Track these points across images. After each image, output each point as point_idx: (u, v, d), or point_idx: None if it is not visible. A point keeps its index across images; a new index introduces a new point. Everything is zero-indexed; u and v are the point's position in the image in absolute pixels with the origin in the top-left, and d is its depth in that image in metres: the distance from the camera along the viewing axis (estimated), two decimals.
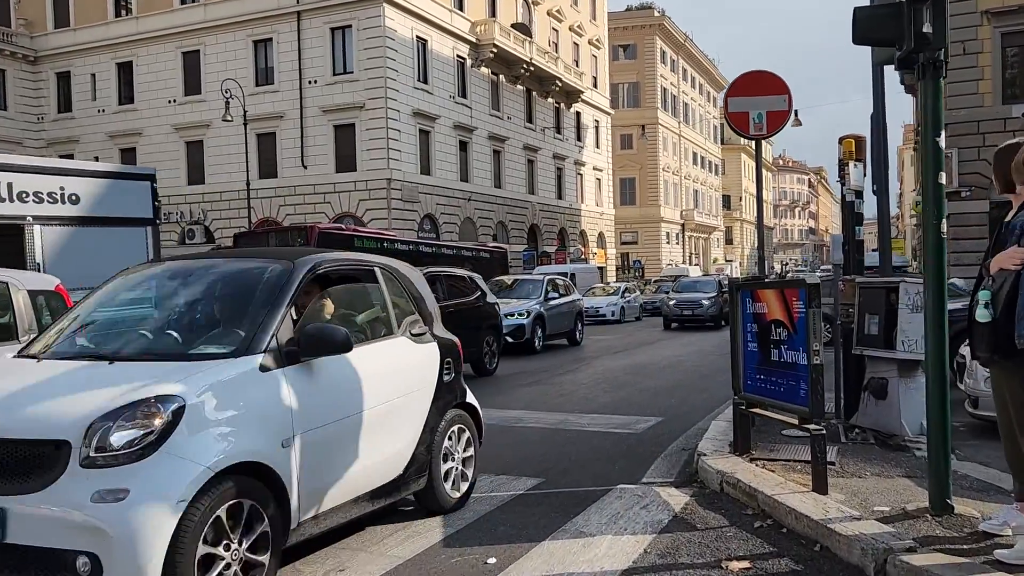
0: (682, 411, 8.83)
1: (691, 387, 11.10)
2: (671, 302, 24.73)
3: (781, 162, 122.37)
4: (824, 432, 4.50)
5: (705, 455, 5.53)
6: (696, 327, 23.52)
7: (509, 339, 15.37)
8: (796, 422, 4.81)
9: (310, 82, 32.73)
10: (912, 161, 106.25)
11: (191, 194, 34.88)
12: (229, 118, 28.15)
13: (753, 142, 7.43)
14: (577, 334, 19.04)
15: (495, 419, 8.24)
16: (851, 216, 6.46)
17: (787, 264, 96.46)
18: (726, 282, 32.89)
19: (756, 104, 6.82)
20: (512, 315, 15.91)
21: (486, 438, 5.50)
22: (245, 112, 29.51)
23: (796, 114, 38.41)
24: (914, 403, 5.81)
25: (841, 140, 6.44)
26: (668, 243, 65.16)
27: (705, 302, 24.02)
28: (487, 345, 12.54)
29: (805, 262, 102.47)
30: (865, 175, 6.55)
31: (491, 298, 13.26)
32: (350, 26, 32.06)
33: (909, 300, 5.73)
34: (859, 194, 6.45)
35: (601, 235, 52.49)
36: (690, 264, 63.78)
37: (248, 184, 30.17)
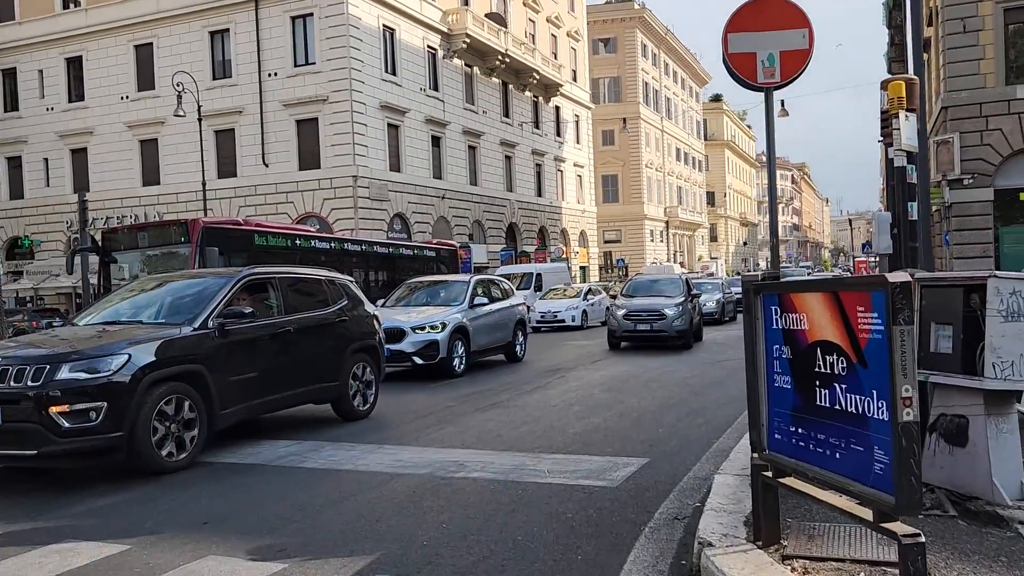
0: (672, 446, 7.02)
1: (681, 408, 9.29)
2: (619, 312, 17.72)
3: (764, 158, 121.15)
4: (923, 541, 2.68)
5: (711, 545, 3.70)
6: (657, 347, 17.14)
7: (418, 360, 12.63)
8: (868, 516, 2.96)
9: (270, 75, 30.73)
10: None
11: (146, 196, 32.77)
12: (181, 113, 26.18)
13: (760, 97, 5.63)
14: (517, 348, 15.62)
15: (429, 465, 6.39)
16: (902, 187, 4.66)
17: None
18: (721, 282, 30.07)
19: (766, 42, 5.04)
20: (421, 328, 12.78)
21: (404, 500, 5.15)
22: (200, 107, 27.50)
23: (783, 104, 36.83)
24: (1009, 453, 4.02)
25: (886, 84, 4.64)
26: (652, 241, 63.53)
27: (669, 311, 17.27)
28: (355, 377, 9.05)
29: (790, 258, 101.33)
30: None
31: (366, 309, 9.70)
32: (311, 14, 30.09)
33: (1003, 304, 3.94)
34: (911, 157, 4.66)
35: (583, 233, 50.73)
36: (675, 262, 62.19)
37: (204, 184, 28.13)
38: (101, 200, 32.16)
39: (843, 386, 3.15)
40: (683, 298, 17.99)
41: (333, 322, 8.87)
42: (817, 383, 3.36)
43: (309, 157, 30.44)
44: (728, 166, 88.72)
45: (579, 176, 50.36)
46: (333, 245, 19.31)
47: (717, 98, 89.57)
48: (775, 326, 3.77)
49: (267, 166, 31.01)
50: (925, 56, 28.48)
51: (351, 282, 9.84)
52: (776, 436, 3.75)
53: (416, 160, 33.33)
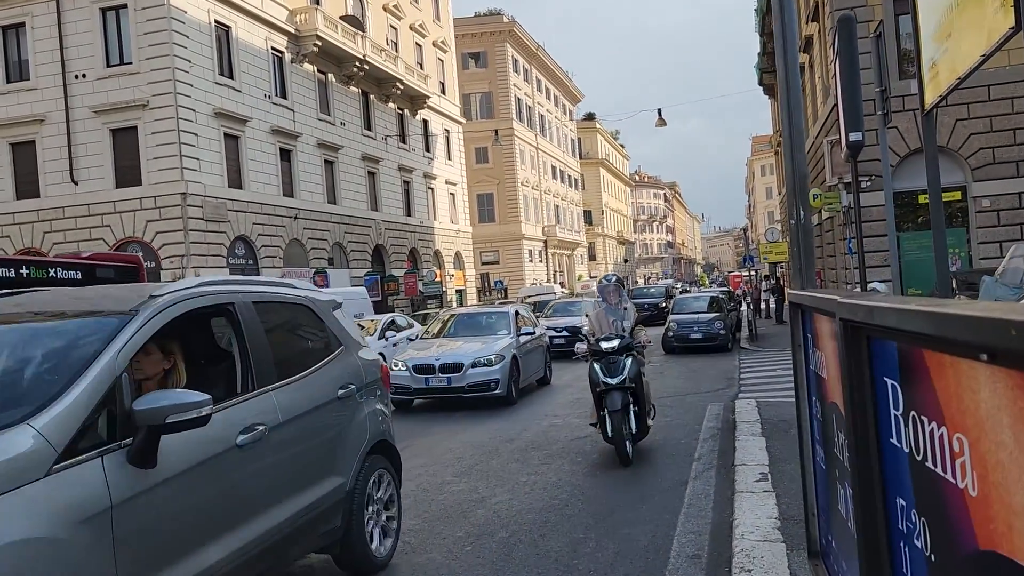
0: None
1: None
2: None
3: (638, 177, 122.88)
4: None
5: None
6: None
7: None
8: None
9: (77, 76, 26.01)
10: (763, 171, 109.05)
11: None
12: None
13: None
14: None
15: None
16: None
17: (649, 278, 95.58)
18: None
19: None
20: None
21: None
22: None
23: (660, 112, 35.30)
24: None
25: None
26: (531, 261, 61.39)
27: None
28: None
29: (666, 275, 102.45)
30: None
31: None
32: (125, 5, 25.69)
33: None
34: None
35: (458, 255, 47.71)
36: (555, 282, 60.25)
37: None
38: None
39: None
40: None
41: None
42: None
43: (128, 172, 25.88)
44: (604, 185, 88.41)
45: (452, 194, 47.41)
46: None
47: (591, 116, 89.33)
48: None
49: (76, 184, 26.17)
50: (806, 57, 27.36)
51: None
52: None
53: (262, 176, 29.30)
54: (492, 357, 12.75)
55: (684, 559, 4.88)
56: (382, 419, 5.39)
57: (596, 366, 7.90)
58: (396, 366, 12.91)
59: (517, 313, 15.37)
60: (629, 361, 7.88)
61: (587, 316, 9.02)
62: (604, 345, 7.90)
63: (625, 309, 8.49)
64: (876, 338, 1.20)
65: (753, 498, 5.59)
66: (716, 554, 4.87)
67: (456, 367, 12.57)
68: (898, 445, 1.14)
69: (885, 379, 1.16)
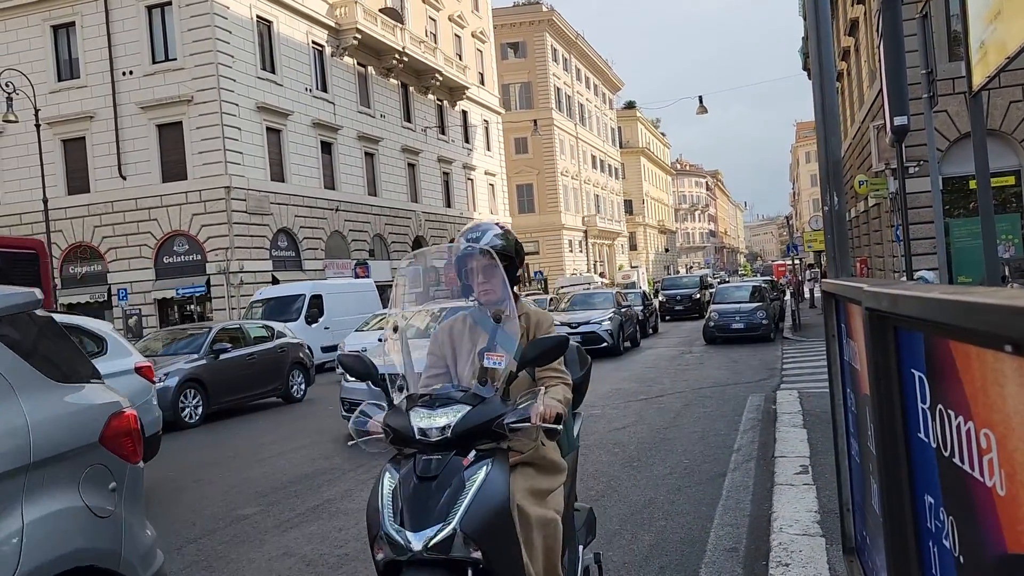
0: None
1: None
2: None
3: (679, 166, 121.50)
4: None
5: None
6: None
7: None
8: None
9: (124, 73, 26.62)
10: (808, 158, 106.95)
11: None
12: (13, 118, 21.83)
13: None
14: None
15: None
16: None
17: (691, 268, 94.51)
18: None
19: None
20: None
21: None
22: (37, 111, 23.16)
23: (701, 100, 34.82)
24: None
25: None
26: (571, 251, 61.15)
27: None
28: None
29: (707, 264, 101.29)
30: None
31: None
32: (170, 3, 26.19)
33: None
34: None
35: None
36: (595, 272, 59.96)
37: (46, 202, 23.70)
38: None
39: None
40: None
41: None
42: None
43: (174, 167, 26.43)
44: (644, 173, 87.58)
45: (491, 185, 47.44)
46: None
47: (631, 105, 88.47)
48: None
49: (125, 179, 26.81)
50: (851, 40, 26.69)
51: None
52: None
53: (303, 169, 29.66)
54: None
55: (721, 552, 4.82)
56: (91, 526, 2.93)
57: (386, 481, 2.53)
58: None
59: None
60: (481, 476, 2.47)
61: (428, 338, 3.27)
62: (419, 422, 2.56)
63: (520, 318, 2.88)
64: (902, 328, 1.14)
65: (793, 491, 5.49)
66: (754, 547, 4.80)
67: None
68: (926, 440, 1.09)
69: (912, 371, 1.11)
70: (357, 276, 29.43)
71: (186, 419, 12.20)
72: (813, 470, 6.12)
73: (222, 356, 13.10)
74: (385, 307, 20.83)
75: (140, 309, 26.11)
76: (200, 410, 12.53)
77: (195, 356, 12.83)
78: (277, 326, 15.71)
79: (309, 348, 17.55)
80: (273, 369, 14.28)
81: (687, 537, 5.20)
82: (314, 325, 20.61)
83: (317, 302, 21.19)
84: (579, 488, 6.67)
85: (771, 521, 4.89)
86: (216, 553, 5.64)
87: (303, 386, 15.13)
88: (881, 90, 18.12)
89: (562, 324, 18.24)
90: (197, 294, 26.12)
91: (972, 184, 19.16)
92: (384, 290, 33.33)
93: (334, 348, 17.93)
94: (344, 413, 9.97)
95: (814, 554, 4.08)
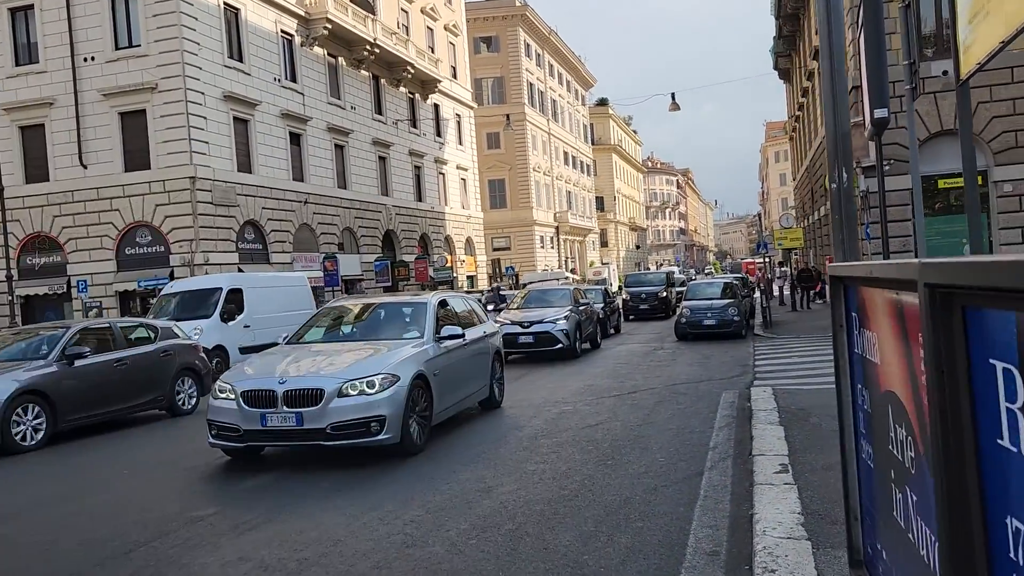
0: None
1: None
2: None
3: (651, 164, 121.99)
4: None
5: None
6: None
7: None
8: None
9: (86, 59, 25.83)
10: (777, 158, 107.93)
11: None
12: None
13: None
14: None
15: None
16: None
17: (661, 265, 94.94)
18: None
19: None
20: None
21: None
22: None
23: (673, 97, 34.77)
24: None
25: None
26: (543, 247, 61.04)
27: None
28: None
29: (677, 261, 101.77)
30: None
31: None
32: None
33: None
34: None
35: (469, 240, 47.44)
36: (567, 268, 59.91)
37: (2, 191, 22.91)
38: None
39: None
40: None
41: None
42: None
43: (137, 156, 25.71)
44: (616, 171, 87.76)
45: (463, 180, 47.08)
46: None
47: (603, 102, 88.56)
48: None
49: (86, 167, 26.04)
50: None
51: None
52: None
53: (271, 160, 29.08)
54: (376, 379, 7.78)
55: (701, 556, 4.62)
56: None
57: None
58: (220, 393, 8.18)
59: (443, 304, 10.02)
60: None
61: None
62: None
63: None
64: (973, 307, 0.92)
65: (773, 491, 5.32)
66: (735, 551, 4.61)
67: (311, 397, 7.66)
68: (1013, 449, 0.87)
69: (991, 361, 0.89)
70: (326, 270, 28.94)
71: (20, 441, 9.86)
72: (793, 469, 5.96)
73: (77, 363, 10.81)
74: (318, 305, 18.37)
75: (101, 302, 25.40)
76: (43, 430, 10.14)
77: (40, 363, 10.54)
78: (169, 324, 13.48)
79: (224, 349, 16.45)
80: (152, 377, 12.01)
81: (665, 540, 5.00)
82: (232, 323, 17.73)
83: (236, 297, 18.15)
84: (551, 487, 6.44)
85: (753, 523, 4.71)
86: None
87: (194, 395, 12.80)
88: (857, 87, 18.05)
89: (513, 324, 17.05)
90: (160, 287, 25.44)
91: (941, 184, 19.31)
92: (352, 285, 32.99)
93: (255, 349, 14.70)
94: (212, 440, 8.09)
95: (801, 559, 3.89)
